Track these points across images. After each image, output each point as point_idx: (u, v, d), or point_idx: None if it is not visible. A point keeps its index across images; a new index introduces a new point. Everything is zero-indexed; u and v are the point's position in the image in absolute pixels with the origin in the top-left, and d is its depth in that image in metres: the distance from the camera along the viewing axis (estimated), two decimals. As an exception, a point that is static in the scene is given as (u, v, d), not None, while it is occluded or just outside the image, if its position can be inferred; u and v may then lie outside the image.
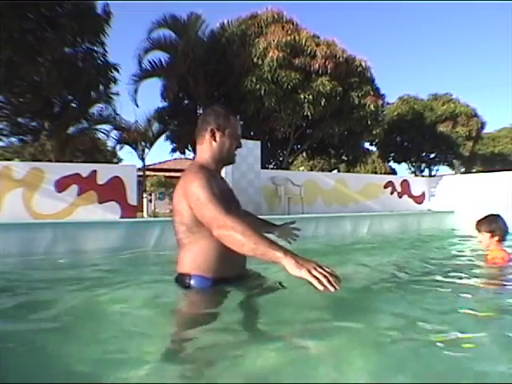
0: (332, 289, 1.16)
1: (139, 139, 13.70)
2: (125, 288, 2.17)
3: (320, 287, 1.17)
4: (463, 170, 23.03)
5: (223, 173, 7.03)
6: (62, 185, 5.95)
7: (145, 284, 2.26)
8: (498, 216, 2.66)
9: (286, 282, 1.80)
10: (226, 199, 1.57)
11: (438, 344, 1.34)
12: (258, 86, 9.34)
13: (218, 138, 1.70)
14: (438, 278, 2.45)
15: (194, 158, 1.74)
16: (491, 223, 2.61)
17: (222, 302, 1.65)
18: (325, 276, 1.18)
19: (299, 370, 1.15)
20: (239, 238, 1.34)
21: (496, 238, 2.57)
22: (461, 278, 2.40)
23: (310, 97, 9.58)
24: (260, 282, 1.86)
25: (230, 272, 1.68)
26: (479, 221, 2.67)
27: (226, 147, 1.71)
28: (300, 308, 1.68)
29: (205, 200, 1.45)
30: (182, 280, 1.66)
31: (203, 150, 1.73)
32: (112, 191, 6.29)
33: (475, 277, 2.49)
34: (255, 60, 9.44)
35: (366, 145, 15.54)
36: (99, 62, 9.46)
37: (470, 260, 3.05)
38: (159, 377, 1.15)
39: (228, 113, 1.75)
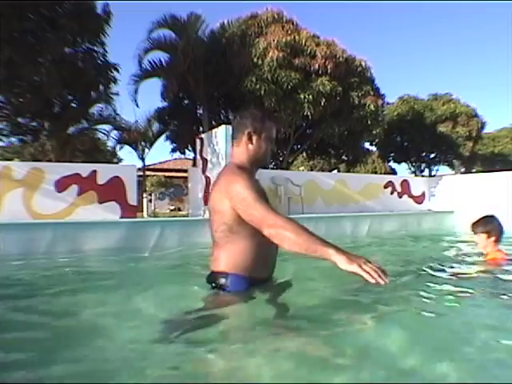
0: (382, 282, 1.25)
1: (139, 139, 13.72)
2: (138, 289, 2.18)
3: (372, 280, 1.25)
4: (463, 170, 23.02)
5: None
6: (62, 185, 5.95)
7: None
8: (493, 217, 2.67)
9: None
10: (266, 199, 1.61)
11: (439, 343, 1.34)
12: (257, 86, 9.33)
13: (254, 142, 1.72)
14: (437, 278, 2.45)
15: (229, 162, 1.77)
16: (487, 224, 2.62)
17: (257, 301, 1.68)
18: (375, 270, 1.27)
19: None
20: (291, 236, 1.39)
21: (492, 239, 2.58)
22: (460, 279, 2.41)
23: (310, 97, 9.58)
24: (282, 282, 1.93)
25: (264, 273, 1.74)
26: (474, 222, 2.68)
27: (262, 150, 1.74)
28: (326, 307, 1.79)
29: (252, 200, 1.49)
30: (216, 278, 1.68)
31: (240, 152, 1.74)
32: (112, 191, 6.29)
33: (474, 277, 2.50)
34: (255, 60, 9.44)
35: (366, 145, 15.57)
36: (99, 61, 9.45)
37: (469, 260, 3.05)
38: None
39: (264, 116, 1.78)
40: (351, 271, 1.28)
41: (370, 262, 1.30)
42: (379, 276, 1.26)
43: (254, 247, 1.61)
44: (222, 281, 1.64)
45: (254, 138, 1.71)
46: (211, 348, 1.31)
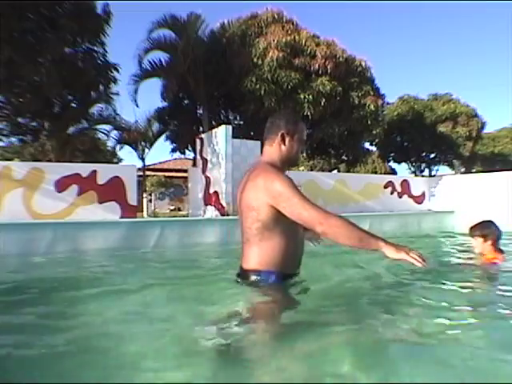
0: (426, 265, 1.47)
1: (139, 139, 13.71)
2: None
3: (418, 264, 1.46)
4: (463, 170, 23.01)
5: (223, 172, 6.98)
6: (62, 185, 5.95)
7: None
8: (491, 222, 2.73)
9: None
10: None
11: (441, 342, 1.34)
12: (258, 86, 9.33)
13: (287, 143, 1.77)
14: (436, 278, 2.46)
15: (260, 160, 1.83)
16: (484, 228, 2.69)
17: (294, 296, 1.74)
18: (419, 256, 1.47)
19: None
20: (345, 232, 1.51)
21: (489, 243, 2.65)
22: (458, 279, 2.42)
23: (310, 97, 9.58)
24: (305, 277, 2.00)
25: (295, 269, 1.79)
26: (472, 226, 2.75)
27: (293, 151, 1.80)
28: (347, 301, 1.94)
29: (299, 200, 1.54)
30: (249, 276, 1.71)
31: (272, 152, 1.79)
32: (112, 191, 6.30)
33: (473, 277, 2.52)
34: (255, 60, 9.43)
35: (366, 145, 15.54)
36: (99, 61, 9.44)
37: (468, 260, 3.05)
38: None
39: (296, 118, 1.86)
40: (400, 258, 1.47)
41: (412, 250, 1.49)
42: (423, 260, 1.47)
43: (286, 244, 1.66)
44: (256, 278, 1.68)
45: (287, 139, 1.77)
46: (254, 343, 1.38)
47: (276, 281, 1.67)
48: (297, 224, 1.60)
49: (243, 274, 1.74)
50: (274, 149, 1.78)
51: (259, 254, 1.67)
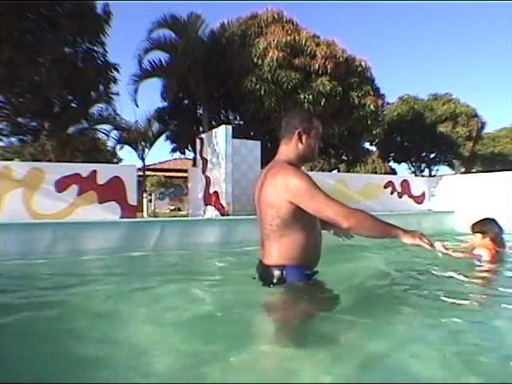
0: (432, 249, 1.72)
1: (139, 139, 13.71)
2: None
3: (429, 248, 1.66)
4: (463, 170, 23.00)
5: (223, 172, 6.95)
6: (62, 185, 5.95)
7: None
8: (492, 220, 2.78)
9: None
10: None
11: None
12: (257, 86, 9.33)
13: (304, 140, 1.83)
14: (435, 278, 2.46)
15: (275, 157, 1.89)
16: (484, 225, 2.75)
17: (319, 289, 1.80)
18: (428, 241, 1.65)
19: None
20: (369, 225, 1.61)
21: (487, 239, 2.69)
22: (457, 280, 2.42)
23: (310, 97, 9.57)
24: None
25: (315, 263, 1.83)
26: (474, 223, 2.81)
27: (311, 147, 1.86)
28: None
29: (323, 197, 1.60)
30: (271, 272, 1.72)
31: (289, 150, 1.84)
32: (112, 191, 6.29)
33: (471, 277, 2.52)
34: (255, 60, 9.43)
35: (366, 145, 15.56)
36: (99, 61, 9.44)
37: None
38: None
39: (311, 116, 1.91)
40: (414, 243, 1.63)
41: (423, 235, 1.66)
42: (431, 245, 1.67)
43: (307, 239, 1.71)
44: (279, 273, 1.70)
45: (304, 137, 1.82)
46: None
47: (300, 275, 1.71)
48: (315, 218, 1.67)
49: (264, 270, 1.76)
50: (292, 147, 1.83)
51: (281, 249, 1.70)
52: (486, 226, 2.73)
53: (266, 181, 1.72)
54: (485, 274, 2.57)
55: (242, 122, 11.82)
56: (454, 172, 22.03)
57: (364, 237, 1.62)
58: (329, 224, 1.76)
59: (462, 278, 2.40)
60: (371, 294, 2.14)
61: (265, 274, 1.76)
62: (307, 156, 1.87)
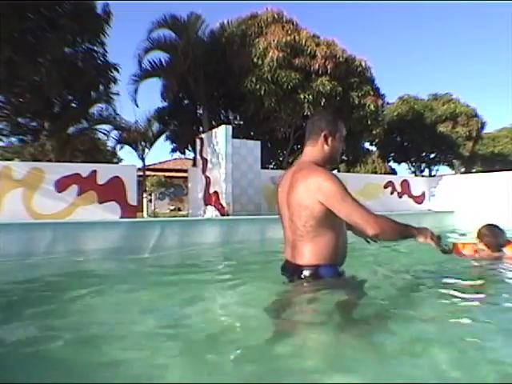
0: (441, 247, 1.87)
1: (139, 139, 13.71)
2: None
3: (438, 247, 1.81)
4: (463, 170, 23.00)
5: (223, 172, 6.96)
6: (61, 185, 5.95)
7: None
8: (496, 227, 2.74)
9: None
10: None
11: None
12: (257, 86, 9.33)
13: (329, 142, 1.85)
14: (435, 277, 2.46)
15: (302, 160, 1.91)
16: (484, 230, 2.72)
17: (355, 286, 1.88)
18: (437, 240, 1.80)
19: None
20: (391, 230, 1.70)
21: (481, 244, 2.67)
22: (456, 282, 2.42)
23: (310, 97, 9.57)
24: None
25: (344, 260, 1.87)
26: (481, 227, 2.78)
27: (336, 149, 1.89)
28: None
29: (352, 202, 1.65)
30: (304, 271, 1.75)
31: (315, 152, 1.86)
32: (112, 191, 6.30)
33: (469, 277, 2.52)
34: (255, 60, 9.43)
35: (366, 145, 15.55)
36: (99, 61, 9.44)
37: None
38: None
39: (336, 118, 1.94)
40: (427, 243, 1.76)
41: (433, 234, 1.79)
42: (439, 244, 1.82)
43: (337, 238, 1.76)
44: (312, 272, 1.74)
45: (330, 139, 1.85)
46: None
47: (333, 273, 1.76)
48: (342, 219, 1.70)
49: (296, 270, 1.78)
50: (317, 149, 1.85)
51: (314, 249, 1.74)
52: (485, 232, 2.72)
53: (297, 182, 1.73)
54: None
55: (241, 122, 11.82)
56: (454, 172, 22.04)
57: (386, 241, 1.69)
58: (353, 227, 1.80)
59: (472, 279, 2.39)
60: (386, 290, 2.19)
61: (295, 273, 1.78)
62: (332, 158, 1.89)
